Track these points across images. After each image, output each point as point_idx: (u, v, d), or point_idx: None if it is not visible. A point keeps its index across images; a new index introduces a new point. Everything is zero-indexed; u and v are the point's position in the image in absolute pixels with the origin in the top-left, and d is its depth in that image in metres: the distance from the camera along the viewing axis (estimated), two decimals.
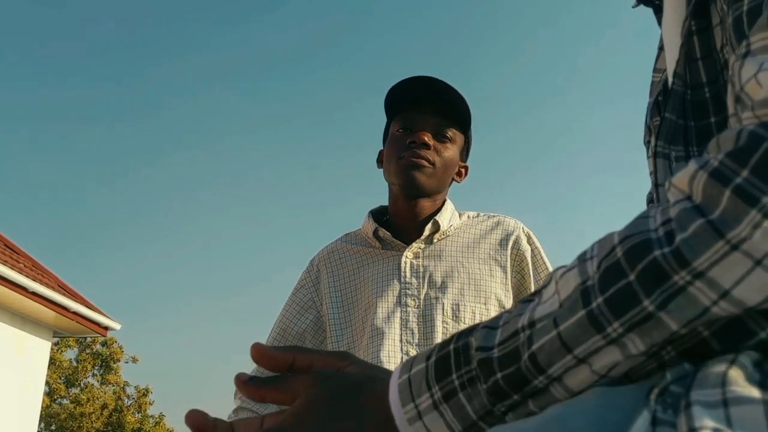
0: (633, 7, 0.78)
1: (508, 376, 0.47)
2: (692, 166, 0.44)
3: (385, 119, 1.63)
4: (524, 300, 0.51)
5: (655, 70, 0.75)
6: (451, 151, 1.53)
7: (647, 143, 0.72)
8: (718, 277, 0.41)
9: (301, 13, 37.50)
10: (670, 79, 0.64)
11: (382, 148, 1.62)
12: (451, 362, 0.50)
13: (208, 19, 35.90)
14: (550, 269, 1.54)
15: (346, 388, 0.54)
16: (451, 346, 0.51)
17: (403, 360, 1.40)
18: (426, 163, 1.49)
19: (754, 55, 0.48)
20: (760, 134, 0.42)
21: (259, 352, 0.61)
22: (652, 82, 0.74)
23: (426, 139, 1.49)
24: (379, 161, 1.61)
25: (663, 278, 0.42)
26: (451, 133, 1.53)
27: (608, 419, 0.44)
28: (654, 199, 0.68)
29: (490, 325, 0.50)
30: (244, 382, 0.60)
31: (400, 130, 1.53)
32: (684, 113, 0.62)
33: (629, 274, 0.43)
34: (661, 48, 0.75)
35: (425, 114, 1.52)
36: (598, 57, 41.02)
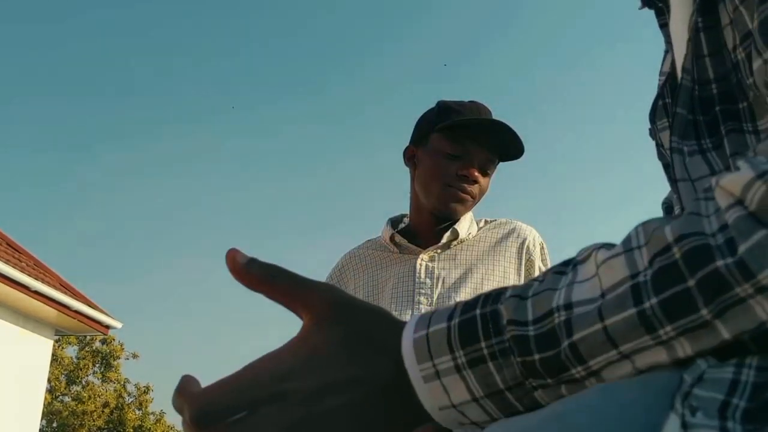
0: (639, 8, 0.78)
1: (546, 360, 0.46)
2: (747, 171, 0.42)
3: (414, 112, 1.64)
4: (555, 271, 0.48)
5: (660, 72, 0.74)
6: (488, 181, 1.61)
7: (657, 142, 0.71)
8: None
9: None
10: (680, 74, 0.64)
11: (408, 144, 1.64)
12: (479, 328, 0.48)
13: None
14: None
15: (359, 332, 0.51)
16: (478, 311, 0.49)
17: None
18: (470, 198, 1.56)
19: None
20: None
21: (237, 266, 0.52)
22: (658, 84, 0.74)
23: (477, 176, 1.55)
24: (409, 159, 1.63)
25: (724, 289, 0.41)
26: (493, 168, 1.60)
27: (611, 415, 0.45)
28: (674, 197, 0.66)
29: (519, 294, 0.48)
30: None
31: (450, 156, 1.55)
32: (693, 108, 0.62)
33: (688, 279, 0.42)
34: (666, 51, 0.75)
35: (478, 147, 1.55)
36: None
